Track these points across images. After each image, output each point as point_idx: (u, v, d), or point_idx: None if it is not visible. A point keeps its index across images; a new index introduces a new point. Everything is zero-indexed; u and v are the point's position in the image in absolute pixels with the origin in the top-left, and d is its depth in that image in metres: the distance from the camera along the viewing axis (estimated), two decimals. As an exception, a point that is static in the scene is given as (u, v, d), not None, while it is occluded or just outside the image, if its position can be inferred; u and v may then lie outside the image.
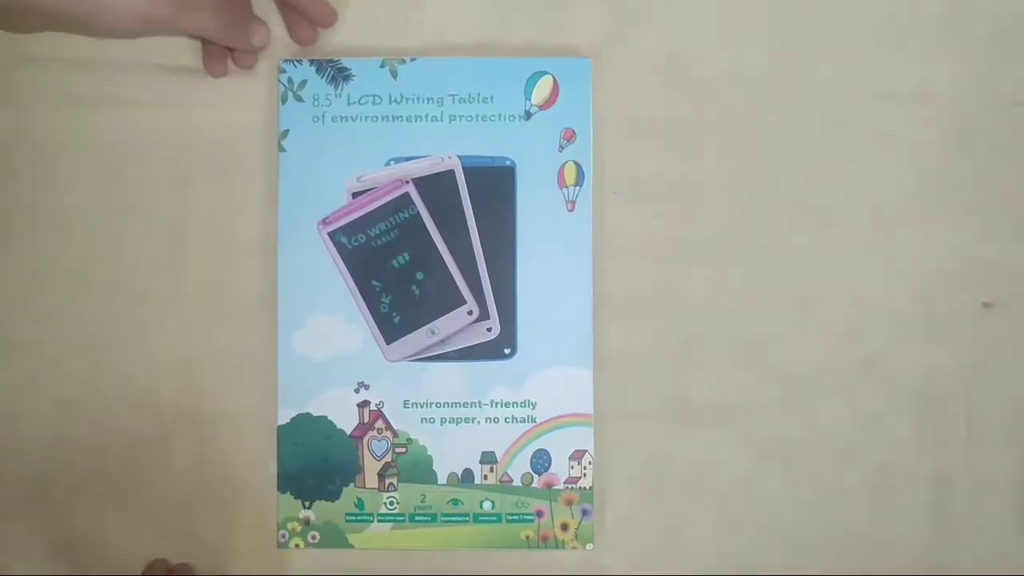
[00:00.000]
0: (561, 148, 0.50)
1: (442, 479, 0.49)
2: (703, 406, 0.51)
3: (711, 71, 0.51)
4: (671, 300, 0.51)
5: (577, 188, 0.49)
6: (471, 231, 0.50)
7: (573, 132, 0.50)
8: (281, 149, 0.50)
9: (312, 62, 0.50)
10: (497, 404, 0.49)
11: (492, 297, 0.49)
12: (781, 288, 0.51)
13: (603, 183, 0.51)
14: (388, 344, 0.49)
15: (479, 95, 0.50)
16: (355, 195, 0.50)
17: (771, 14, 0.52)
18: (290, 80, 0.50)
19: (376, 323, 0.49)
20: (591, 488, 0.50)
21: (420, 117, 0.50)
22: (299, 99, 0.50)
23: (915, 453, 0.51)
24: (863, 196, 0.52)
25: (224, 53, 0.51)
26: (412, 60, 0.50)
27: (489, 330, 0.49)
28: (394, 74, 0.50)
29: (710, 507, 0.51)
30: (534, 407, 0.49)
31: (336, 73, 0.50)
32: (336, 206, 0.50)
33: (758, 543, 0.51)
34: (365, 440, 0.49)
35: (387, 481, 0.49)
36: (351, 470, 0.49)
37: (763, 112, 0.52)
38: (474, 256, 0.50)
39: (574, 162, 0.50)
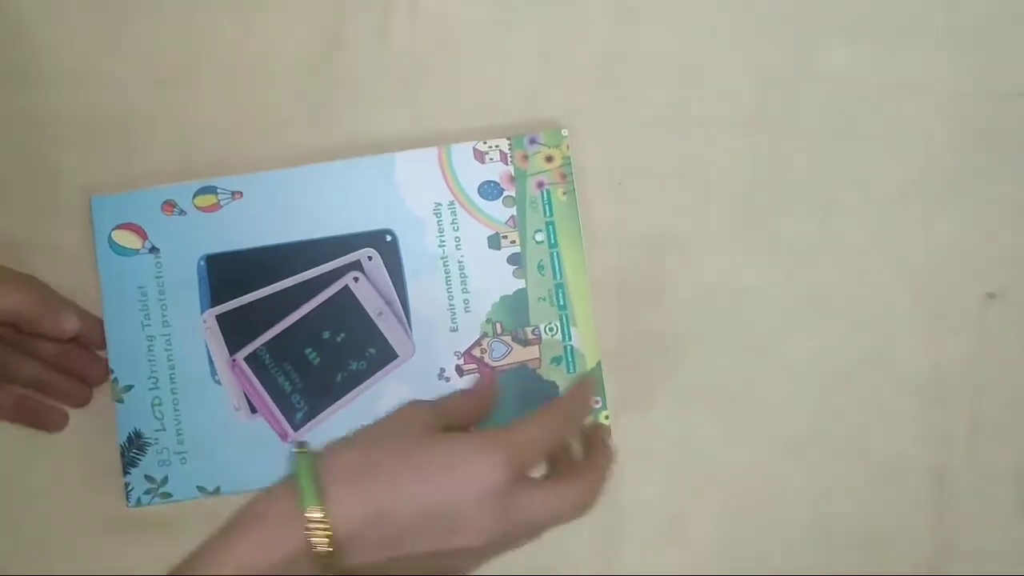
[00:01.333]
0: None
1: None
2: (708, 398, 0.50)
3: (712, 62, 0.51)
4: (673, 291, 0.50)
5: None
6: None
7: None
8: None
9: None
10: None
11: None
12: (784, 279, 0.51)
13: (605, 175, 0.50)
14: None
15: None
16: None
17: (773, 5, 0.51)
18: None
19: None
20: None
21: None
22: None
23: (918, 444, 0.51)
24: (865, 187, 0.51)
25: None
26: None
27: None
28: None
29: (714, 498, 0.50)
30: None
31: None
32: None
33: (762, 533, 0.51)
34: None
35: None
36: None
37: (765, 103, 0.51)
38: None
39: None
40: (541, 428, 0.41)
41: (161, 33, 0.51)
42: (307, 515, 0.37)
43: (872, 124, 0.51)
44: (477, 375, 0.48)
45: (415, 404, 0.43)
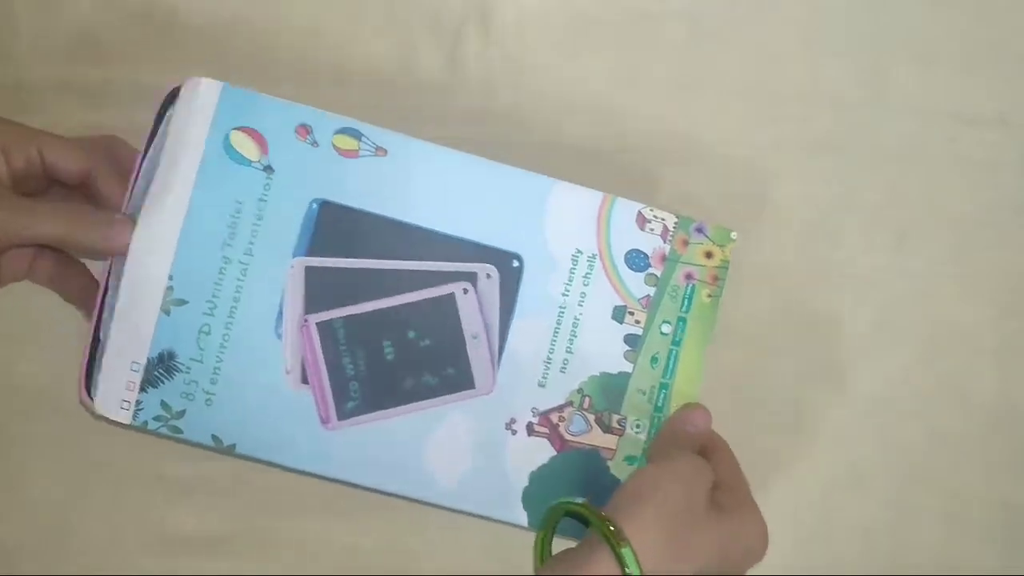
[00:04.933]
0: None
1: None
2: (774, 425, 0.50)
3: (789, 89, 0.51)
4: (744, 319, 0.49)
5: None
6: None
7: None
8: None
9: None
10: None
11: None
12: (855, 305, 0.51)
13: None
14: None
15: None
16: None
17: (849, 34, 0.51)
18: None
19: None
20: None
21: None
22: None
23: (989, 476, 0.50)
24: (940, 216, 0.51)
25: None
26: None
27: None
28: None
29: (782, 527, 0.47)
30: None
31: None
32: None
33: (830, 563, 0.50)
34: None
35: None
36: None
37: (841, 131, 0.51)
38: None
39: None
40: None
41: None
42: None
43: (945, 152, 0.51)
44: (547, 440, 0.45)
45: (706, 469, 0.42)
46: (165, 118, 0.43)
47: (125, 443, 0.48)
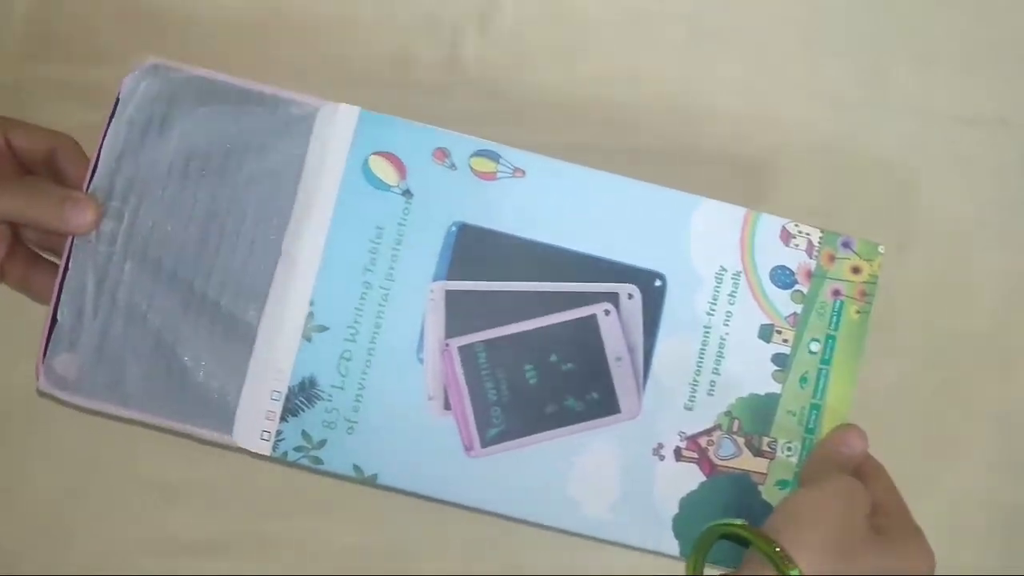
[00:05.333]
0: None
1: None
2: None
3: (786, 88, 0.50)
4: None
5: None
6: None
7: None
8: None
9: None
10: None
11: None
12: None
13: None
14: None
15: None
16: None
17: (849, 34, 0.51)
18: None
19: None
20: None
21: None
22: None
23: (990, 482, 0.49)
24: (941, 219, 0.50)
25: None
26: None
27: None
28: None
29: None
30: None
31: None
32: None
33: None
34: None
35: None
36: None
37: (840, 132, 0.50)
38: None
39: None
40: None
41: None
42: None
43: (948, 155, 0.50)
44: (696, 465, 0.43)
45: (864, 492, 0.41)
46: (118, 110, 0.42)
47: (125, 444, 0.48)
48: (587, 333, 0.43)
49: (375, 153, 0.43)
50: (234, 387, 0.42)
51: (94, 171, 0.42)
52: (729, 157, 0.50)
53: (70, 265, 0.42)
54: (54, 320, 0.42)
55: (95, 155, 0.42)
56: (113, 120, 0.42)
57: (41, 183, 0.44)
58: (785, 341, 0.44)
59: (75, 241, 0.42)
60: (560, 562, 0.48)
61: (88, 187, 0.42)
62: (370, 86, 0.49)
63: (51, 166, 0.44)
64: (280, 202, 0.43)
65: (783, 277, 0.44)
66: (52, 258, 0.46)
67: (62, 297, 0.42)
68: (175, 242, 0.42)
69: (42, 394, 0.42)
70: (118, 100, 0.42)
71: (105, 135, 0.42)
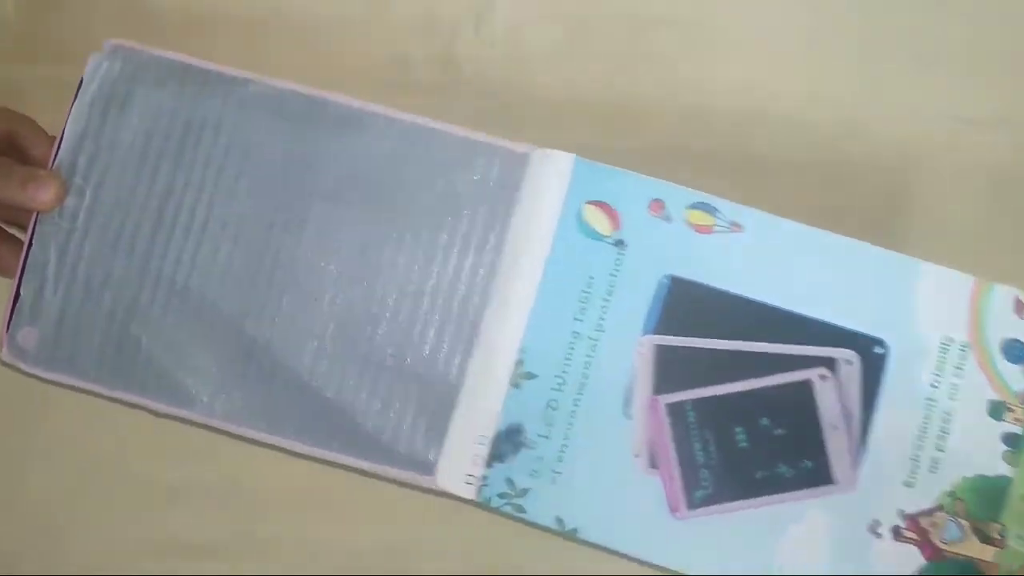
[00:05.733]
0: None
1: None
2: None
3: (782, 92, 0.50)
4: None
5: None
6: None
7: None
8: None
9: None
10: None
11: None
12: None
13: None
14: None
15: None
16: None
17: (848, 38, 0.50)
18: None
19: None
20: None
21: None
22: None
23: None
24: (941, 222, 0.49)
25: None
26: None
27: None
28: None
29: None
30: None
31: None
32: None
33: None
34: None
35: None
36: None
37: (840, 132, 0.49)
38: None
39: None
40: None
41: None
42: None
43: (948, 157, 0.49)
44: (916, 548, 0.41)
45: None
46: (81, 90, 0.43)
47: (124, 444, 0.48)
48: (801, 398, 0.41)
49: (589, 202, 0.43)
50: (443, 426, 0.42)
51: (58, 149, 0.44)
52: (729, 157, 0.49)
53: (33, 241, 0.44)
54: (17, 294, 0.44)
55: (60, 134, 0.44)
56: (76, 100, 0.44)
57: (6, 162, 0.45)
58: (1018, 420, 0.41)
59: (39, 217, 0.44)
60: (560, 563, 0.47)
61: (52, 164, 0.44)
62: (366, 86, 0.48)
63: (14, 146, 0.46)
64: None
65: (1017, 351, 0.41)
66: (20, 234, 0.47)
67: (25, 272, 0.44)
68: (134, 218, 0.43)
69: (5, 364, 0.44)
70: (82, 80, 0.44)
71: (69, 114, 0.44)
